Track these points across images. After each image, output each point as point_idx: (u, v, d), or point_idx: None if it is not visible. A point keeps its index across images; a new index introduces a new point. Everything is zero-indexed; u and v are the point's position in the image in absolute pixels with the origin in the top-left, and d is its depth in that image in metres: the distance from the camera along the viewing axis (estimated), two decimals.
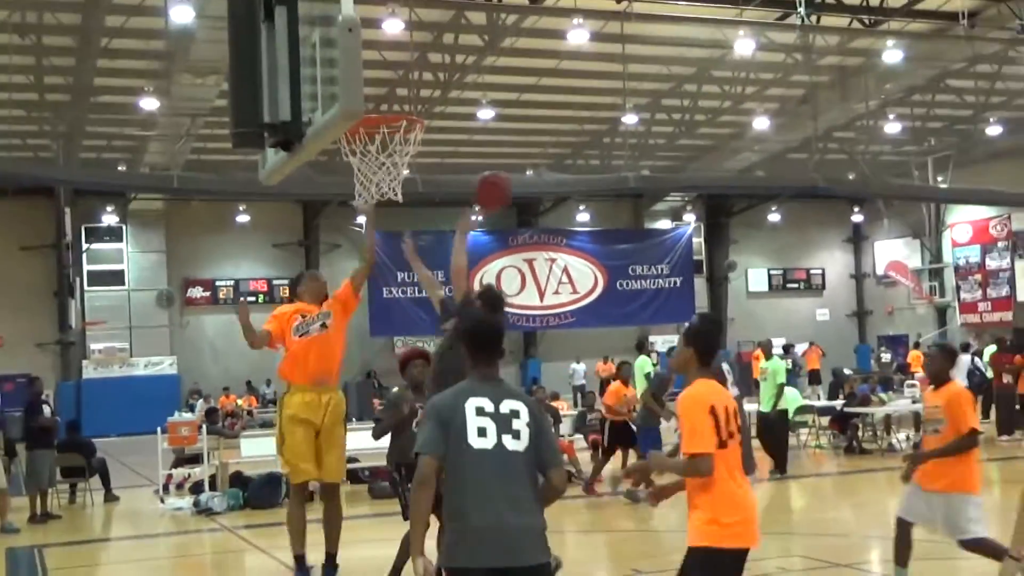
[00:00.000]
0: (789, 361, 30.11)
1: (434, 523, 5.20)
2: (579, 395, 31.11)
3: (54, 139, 29.48)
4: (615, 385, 15.61)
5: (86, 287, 35.90)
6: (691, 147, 37.26)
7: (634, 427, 14.84)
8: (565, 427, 18.30)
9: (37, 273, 34.82)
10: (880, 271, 44.71)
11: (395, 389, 8.07)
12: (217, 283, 37.80)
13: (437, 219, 38.32)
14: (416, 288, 37.62)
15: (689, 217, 41.82)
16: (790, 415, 19.64)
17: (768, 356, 16.60)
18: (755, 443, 18.48)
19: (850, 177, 36.59)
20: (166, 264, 36.85)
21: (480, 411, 4.72)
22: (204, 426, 16.17)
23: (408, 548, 5.20)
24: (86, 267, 36.00)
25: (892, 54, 27.47)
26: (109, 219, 35.58)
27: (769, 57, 28.46)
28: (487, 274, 38.76)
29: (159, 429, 16.13)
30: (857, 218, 44.23)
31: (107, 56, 24.59)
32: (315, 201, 36.05)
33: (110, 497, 16.37)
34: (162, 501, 15.55)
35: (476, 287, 34.52)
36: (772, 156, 37.34)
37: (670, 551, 5.78)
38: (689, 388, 5.20)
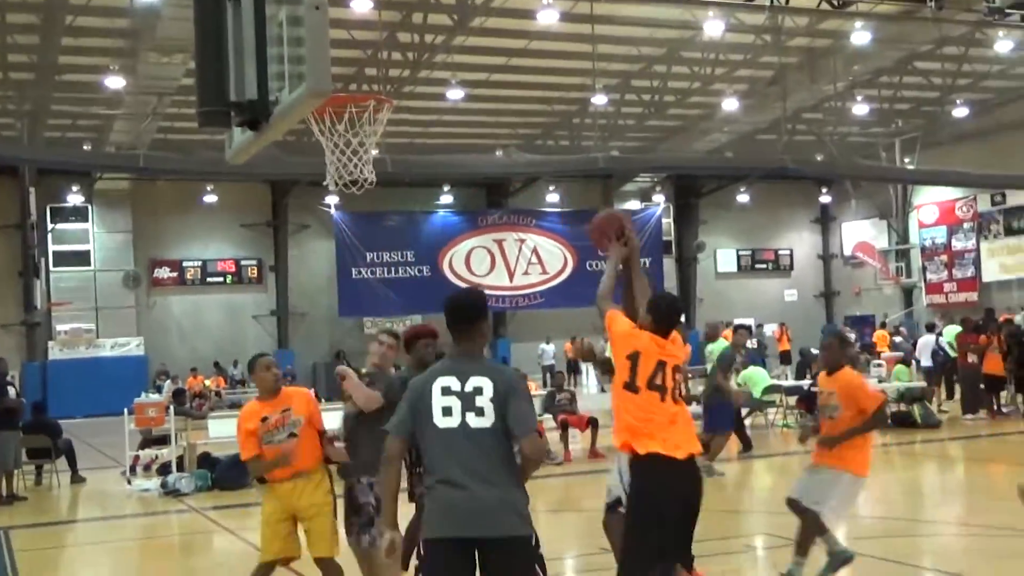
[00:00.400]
0: (755, 341, 30.33)
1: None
2: (548, 375, 31.15)
3: (18, 118, 29.17)
4: None
5: (51, 267, 35.59)
6: (660, 128, 37.32)
7: None
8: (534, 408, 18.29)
9: (2, 253, 34.50)
10: (847, 252, 45.00)
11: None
12: (184, 264, 37.56)
13: (407, 200, 38.31)
14: (385, 268, 37.60)
15: (658, 198, 41.92)
16: (758, 395, 19.80)
17: (713, 339, 16.71)
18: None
19: (818, 158, 36.81)
20: (132, 244, 36.55)
21: (446, 391, 4.77)
22: (171, 407, 16.08)
23: (413, 537, 5.23)
24: (51, 247, 35.66)
25: (860, 35, 27.61)
26: (74, 199, 35.26)
27: (738, 38, 28.52)
28: (457, 254, 38.78)
29: (126, 410, 16.03)
30: (825, 199, 44.47)
31: (72, 34, 24.31)
32: (284, 181, 35.84)
33: (76, 478, 16.27)
34: (129, 482, 15.47)
35: (446, 266, 34.35)
36: (741, 137, 37.49)
37: None
38: None
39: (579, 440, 17.25)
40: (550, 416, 17.03)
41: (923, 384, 20.66)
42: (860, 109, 34.44)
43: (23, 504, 14.67)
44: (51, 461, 16.26)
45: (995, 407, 20.28)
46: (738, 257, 44.94)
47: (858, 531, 7.83)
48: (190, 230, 37.51)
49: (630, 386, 5.82)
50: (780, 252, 45.58)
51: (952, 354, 21.56)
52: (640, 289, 6.21)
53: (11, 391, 15.65)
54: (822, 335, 30.63)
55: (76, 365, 33.66)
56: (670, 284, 41.60)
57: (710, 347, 16.23)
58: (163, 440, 16.11)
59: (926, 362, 22.50)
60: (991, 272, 39.14)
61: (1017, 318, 26.65)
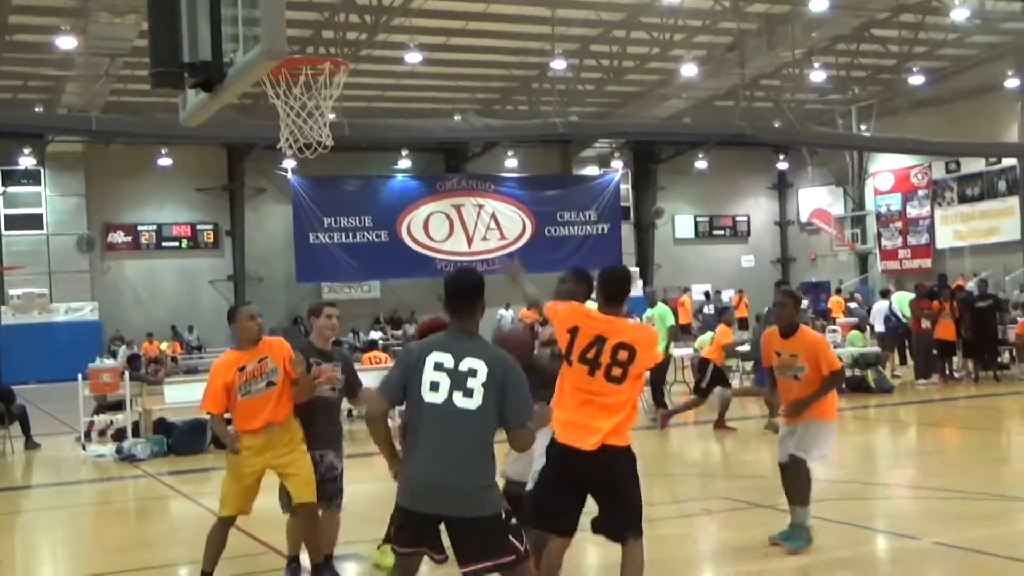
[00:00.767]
0: (712, 306, 30.47)
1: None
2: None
3: None
4: (723, 328, 16.28)
5: (3, 231, 35.13)
6: (619, 94, 37.30)
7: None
8: None
9: None
10: (804, 218, 45.29)
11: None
12: (139, 228, 37.17)
13: (365, 164, 38.07)
14: (343, 233, 37.37)
15: (617, 163, 41.93)
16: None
17: (653, 304, 16.95)
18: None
19: (776, 125, 36.95)
20: (86, 208, 36.08)
21: (438, 366, 4.85)
22: (126, 372, 15.94)
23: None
24: (3, 211, 35.18)
25: (818, 2, 27.65)
26: (26, 161, 34.68)
27: (697, 3, 28.52)
28: (415, 219, 38.61)
29: (80, 376, 15.88)
30: (782, 166, 44.69)
31: None
32: (240, 145, 35.47)
33: (31, 444, 16.11)
34: (84, 448, 15.34)
35: (404, 231, 34.10)
36: (699, 103, 37.54)
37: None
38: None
39: None
40: None
41: (877, 350, 20.89)
42: (817, 76, 34.58)
43: None
44: (4, 427, 16.07)
45: (947, 372, 20.58)
46: (696, 223, 45.11)
47: (813, 495, 7.92)
48: (145, 194, 37.09)
49: (566, 358, 5.78)
50: (738, 218, 45.81)
51: (903, 320, 21.82)
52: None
53: None
54: (847, 293, 30.89)
55: (29, 330, 33.25)
56: (628, 250, 41.76)
57: (649, 312, 16.54)
58: (118, 406, 15.97)
59: (880, 328, 22.75)
60: (945, 239, 39.59)
61: (969, 284, 26.98)
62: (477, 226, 39.36)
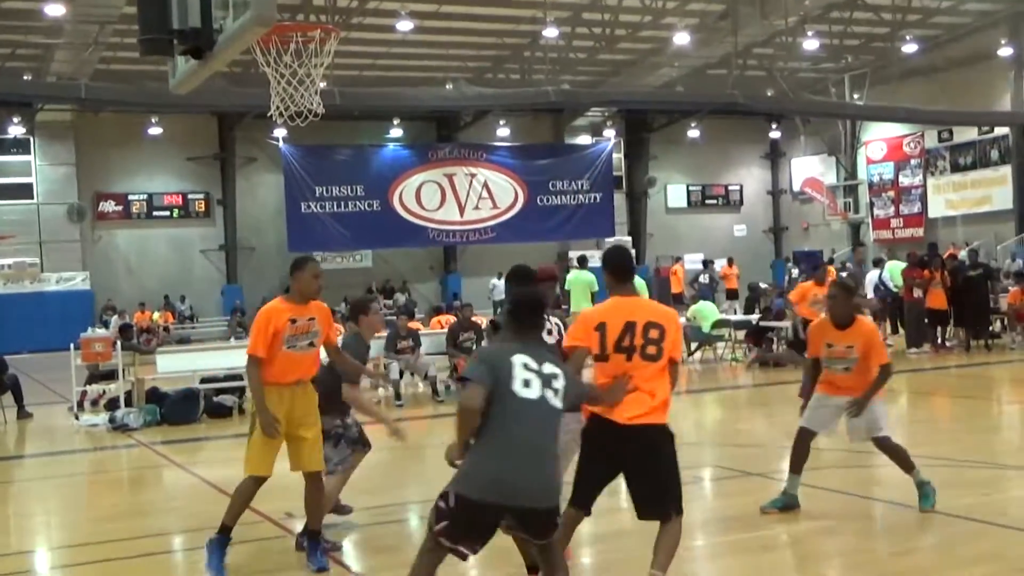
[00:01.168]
0: (707, 276, 30.50)
1: None
2: (499, 309, 31.18)
3: None
4: (809, 285, 16.43)
5: None
6: (611, 62, 37.14)
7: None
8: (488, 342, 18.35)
9: None
10: (796, 188, 45.29)
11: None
12: (130, 197, 37.05)
13: (357, 133, 37.95)
14: (335, 203, 37.31)
15: (609, 132, 41.83)
16: (707, 329, 19.99)
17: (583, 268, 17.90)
18: None
19: (768, 94, 36.84)
20: (76, 177, 35.95)
21: (526, 366, 5.02)
22: (119, 342, 15.92)
23: None
24: None
25: None
26: (16, 130, 34.55)
27: None
28: (407, 188, 38.52)
29: (72, 345, 15.87)
30: (775, 135, 44.63)
31: None
32: (231, 113, 35.27)
33: (23, 414, 16.11)
34: (77, 418, 15.35)
35: (396, 201, 34.06)
36: (692, 72, 37.41)
37: None
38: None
39: None
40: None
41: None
42: (810, 44, 34.43)
43: None
44: None
45: (938, 341, 20.65)
46: (688, 192, 45.10)
47: (808, 463, 7.96)
48: (135, 163, 36.95)
49: (600, 356, 5.72)
50: (730, 188, 45.80)
51: (893, 289, 21.85)
52: None
53: None
54: (839, 264, 30.91)
55: (21, 299, 33.25)
56: (620, 220, 41.74)
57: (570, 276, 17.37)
58: (110, 375, 15.98)
59: (871, 296, 22.73)
60: (937, 208, 39.61)
61: (961, 254, 27.02)
62: (469, 195, 39.28)
